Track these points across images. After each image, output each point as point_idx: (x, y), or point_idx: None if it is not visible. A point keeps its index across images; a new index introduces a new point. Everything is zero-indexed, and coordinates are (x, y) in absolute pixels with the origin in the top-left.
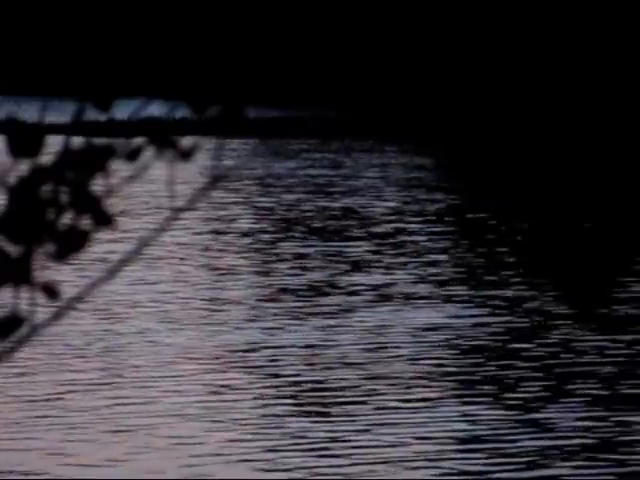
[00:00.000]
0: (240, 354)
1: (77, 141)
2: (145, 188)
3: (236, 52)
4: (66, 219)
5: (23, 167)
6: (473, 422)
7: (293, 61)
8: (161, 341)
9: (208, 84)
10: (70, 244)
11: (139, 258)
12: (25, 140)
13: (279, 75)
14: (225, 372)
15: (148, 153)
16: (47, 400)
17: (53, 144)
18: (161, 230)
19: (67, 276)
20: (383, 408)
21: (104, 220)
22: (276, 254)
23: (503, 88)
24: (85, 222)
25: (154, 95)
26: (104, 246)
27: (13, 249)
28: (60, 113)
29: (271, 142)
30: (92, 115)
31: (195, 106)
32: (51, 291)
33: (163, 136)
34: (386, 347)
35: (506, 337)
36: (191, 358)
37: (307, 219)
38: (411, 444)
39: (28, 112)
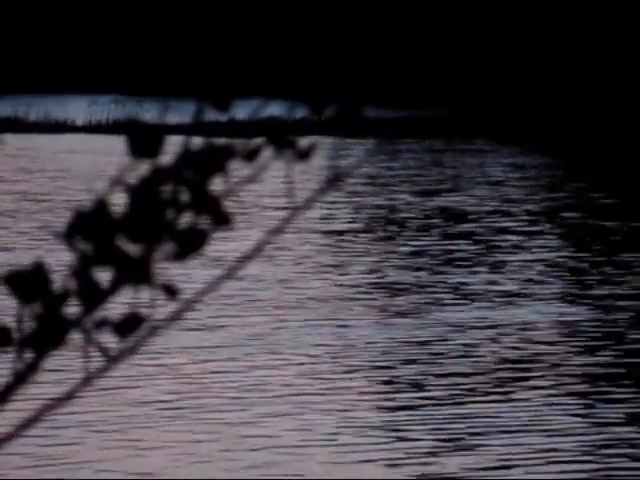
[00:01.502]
0: (359, 349)
1: (196, 141)
2: (263, 188)
3: (354, 53)
4: (185, 219)
5: (143, 168)
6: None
7: (409, 61)
8: (275, 340)
9: (327, 84)
10: (189, 244)
11: (257, 257)
12: (145, 141)
13: (396, 75)
14: (348, 367)
15: (267, 153)
16: (167, 401)
17: (173, 144)
18: (279, 229)
19: (186, 275)
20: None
21: (223, 220)
22: (382, 252)
23: (602, 86)
24: (204, 222)
25: (273, 95)
26: (222, 245)
27: (133, 249)
28: (180, 114)
29: (387, 142)
30: (211, 115)
31: (313, 106)
32: (170, 290)
33: (282, 136)
34: (496, 344)
35: (617, 337)
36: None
37: (414, 218)
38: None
39: (149, 113)
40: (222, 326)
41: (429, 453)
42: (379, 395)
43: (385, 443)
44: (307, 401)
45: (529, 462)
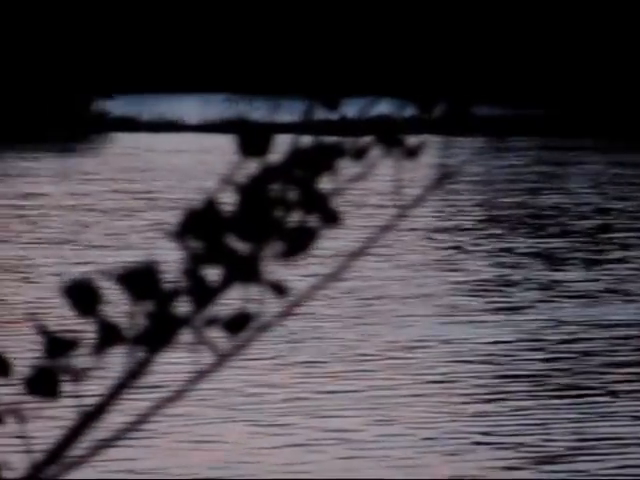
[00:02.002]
0: (472, 345)
1: (306, 140)
2: (372, 186)
3: (463, 51)
4: (294, 217)
5: (253, 166)
6: None
7: (519, 60)
8: (384, 335)
9: (436, 82)
10: (298, 242)
11: (365, 255)
12: (255, 139)
13: (506, 73)
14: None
15: (375, 152)
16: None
17: (282, 143)
18: (387, 227)
19: (295, 274)
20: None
21: (331, 218)
22: (490, 250)
23: None
24: (313, 220)
25: (382, 93)
26: (331, 243)
27: (242, 247)
28: (290, 112)
29: (496, 140)
30: (321, 114)
31: (423, 104)
32: (279, 288)
33: (391, 134)
34: (590, 343)
35: None
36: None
37: (520, 216)
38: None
39: (259, 111)
40: (328, 323)
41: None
42: (492, 388)
43: (534, 424)
44: (421, 394)
45: None
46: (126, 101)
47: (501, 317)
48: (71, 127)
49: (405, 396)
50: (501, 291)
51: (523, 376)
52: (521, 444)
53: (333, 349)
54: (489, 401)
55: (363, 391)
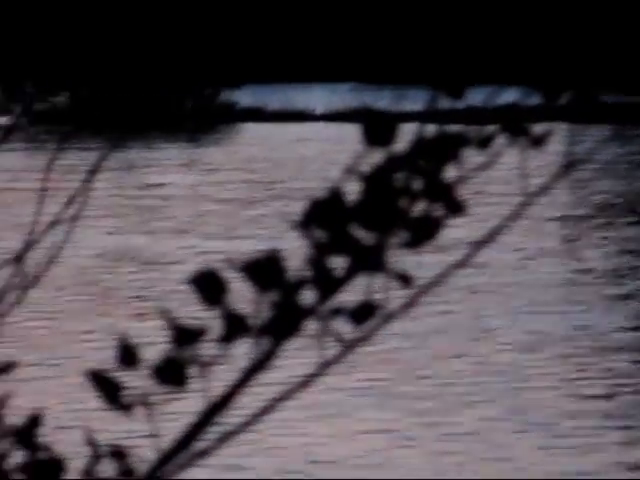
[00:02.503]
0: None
1: (430, 129)
2: (497, 175)
3: (589, 37)
4: (419, 207)
5: (377, 156)
6: None
7: None
8: (492, 326)
9: (562, 70)
10: (422, 231)
11: (489, 244)
12: (380, 129)
13: (631, 60)
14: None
15: (501, 140)
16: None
17: (407, 132)
18: (512, 216)
19: (419, 263)
20: None
21: (456, 208)
22: (614, 238)
23: None
24: (437, 209)
25: (508, 81)
26: (455, 233)
27: (367, 237)
28: (414, 101)
29: (623, 128)
30: (445, 103)
31: (549, 92)
32: (404, 278)
33: (516, 123)
34: None
35: None
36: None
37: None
38: None
39: (383, 101)
40: (448, 312)
41: None
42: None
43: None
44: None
45: None
46: (253, 91)
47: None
48: (198, 117)
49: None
50: (627, 279)
51: None
52: None
53: (471, 335)
54: None
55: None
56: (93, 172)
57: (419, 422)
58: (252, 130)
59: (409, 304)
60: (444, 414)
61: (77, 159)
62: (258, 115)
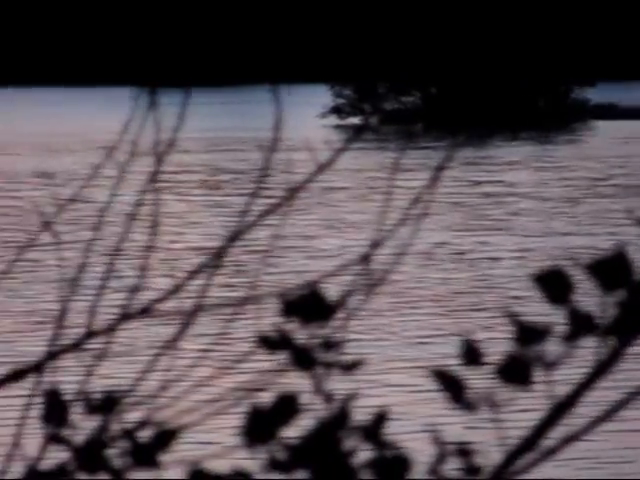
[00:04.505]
0: None
1: None
2: None
3: None
4: None
5: None
6: None
7: None
8: None
9: None
10: None
11: None
12: None
13: None
14: None
15: None
16: None
17: None
18: None
19: None
20: None
21: None
22: None
23: None
24: None
25: None
26: None
27: None
28: None
29: None
30: None
31: None
32: None
33: None
34: None
35: None
36: None
37: None
38: None
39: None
40: None
41: None
42: None
43: None
44: None
45: None
46: (606, 88)
47: None
48: (552, 115)
49: None
50: None
51: None
52: None
53: None
54: None
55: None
56: (439, 170)
57: None
58: (605, 128)
59: None
60: None
61: (423, 157)
62: (611, 112)
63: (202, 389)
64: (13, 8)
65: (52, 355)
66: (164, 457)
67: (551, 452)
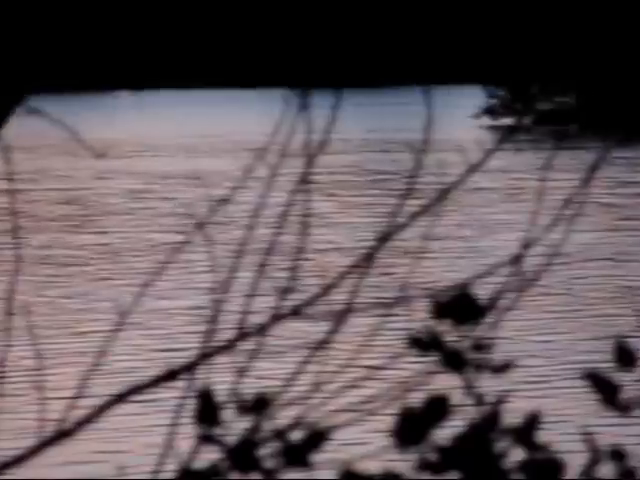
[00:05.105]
0: None
1: None
2: None
3: None
4: None
5: None
6: None
7: None
8: None
9: None
10: None
11: None
12: None
13: None
14: None
15: None
16: None
17: None
18: None
19: None
20: None
21: None
22: None
23: None
24: None
25: None
26: None
27: None
28: None
29: None
30: None
31: None
32: None
33: None
34: None
35: None
36: None
37: None
38: None
39: None
40: None
41: None
42: None
43: None
44: None
45: None
46: None
47: None
48: None
49: None
50: None
51: None
52: None
53: None
54: None
55: None
56: (592, 171)
57: None
58: None
59: None
60: None
61: (576, 158)
62: None
63: (353, 390)
64: (166, 11)
65: (205, 355)
66: (315, 457)
67: None
